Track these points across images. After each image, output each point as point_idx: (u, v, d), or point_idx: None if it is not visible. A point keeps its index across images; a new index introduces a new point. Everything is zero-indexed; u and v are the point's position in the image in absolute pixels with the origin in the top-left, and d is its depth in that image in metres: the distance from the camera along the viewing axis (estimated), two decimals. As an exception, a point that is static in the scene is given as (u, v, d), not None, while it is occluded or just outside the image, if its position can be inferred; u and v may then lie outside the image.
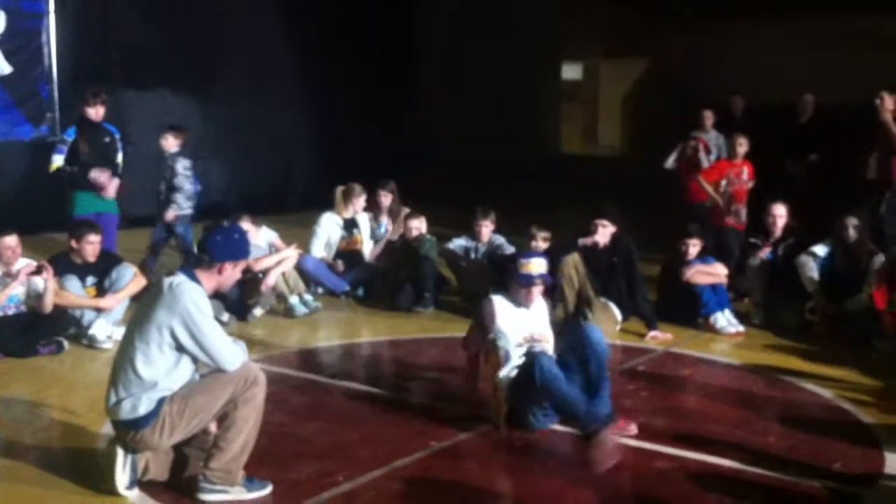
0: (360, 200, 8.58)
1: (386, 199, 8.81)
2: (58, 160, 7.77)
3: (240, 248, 4.31)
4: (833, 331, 7.03)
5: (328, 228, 8.48)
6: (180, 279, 4.08)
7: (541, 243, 7.55)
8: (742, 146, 8.79)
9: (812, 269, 7.21)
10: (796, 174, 9.56)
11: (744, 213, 8.74)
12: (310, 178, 14.02)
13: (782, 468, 4.52)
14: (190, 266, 4.24)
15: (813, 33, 11.58)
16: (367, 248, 8.62)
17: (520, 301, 5.25)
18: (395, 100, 14.78)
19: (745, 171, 8.86)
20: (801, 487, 4.35)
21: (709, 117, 9.67)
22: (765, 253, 7.51)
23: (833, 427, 5.18)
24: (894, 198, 8.26)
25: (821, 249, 7.29)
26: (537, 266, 5.25)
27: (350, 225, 8.59)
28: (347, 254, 8.50)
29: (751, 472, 4.50)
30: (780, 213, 7.60)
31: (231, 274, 4.26)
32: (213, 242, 4.22)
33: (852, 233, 7.28)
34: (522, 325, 5.19)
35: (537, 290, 5.25)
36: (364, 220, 8.68)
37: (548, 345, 5.18)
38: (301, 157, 14.45)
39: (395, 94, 14.79)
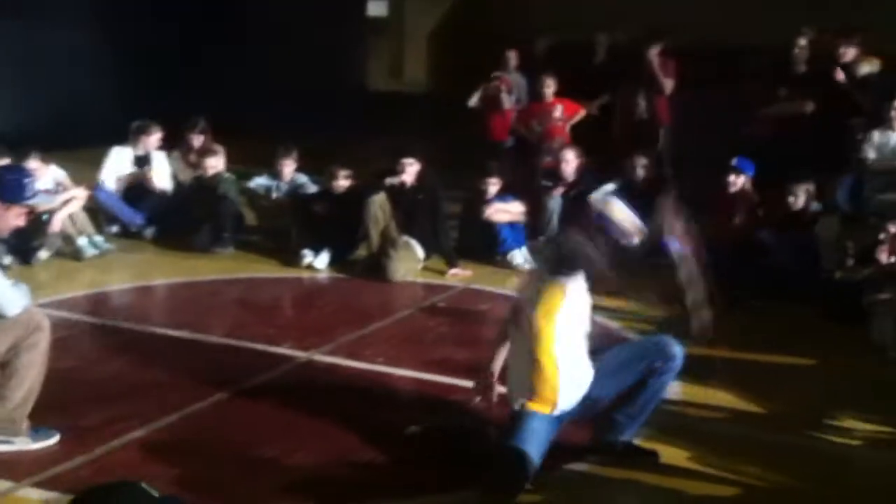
0: (153, 139, 8.23)
1: (198, 140, 8.48)
2: None
3: (9, 189, 3.96)
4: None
5: (117, 161, 8.13)
6: None
7: (342, 182, 7.48)
8: (549, 87, 8.91)
9: (621, 206, 7.52)
10: (592, 115, 9.86)
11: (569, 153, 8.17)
12: (105, 111, 13.12)
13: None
14: None
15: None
16: (161, 186, 8.25)
17: None
18: (196, 31, 14.11)
19: (559, 109, 8.95)
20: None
21: (512, 58, 9.77)
22: (557, 194, 7.77)
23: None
24: (668, 135, 8.79)
25: (611, 188, 7.60)
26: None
27: (142, 161, 8.22)
28: (136, 189, 8.14)
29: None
30: (569, 157, 7.88)
31: (4, 216, 3.95)
32: None
33: (640, 172, 7.63)
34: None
35: None
36: (159, 158, 8.32)
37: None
38: (97, 87, 13.48)
39: (196, 25, 14.11)
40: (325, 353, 5.25)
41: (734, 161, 7.18)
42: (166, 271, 7.08)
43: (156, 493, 2.42)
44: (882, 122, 7.21)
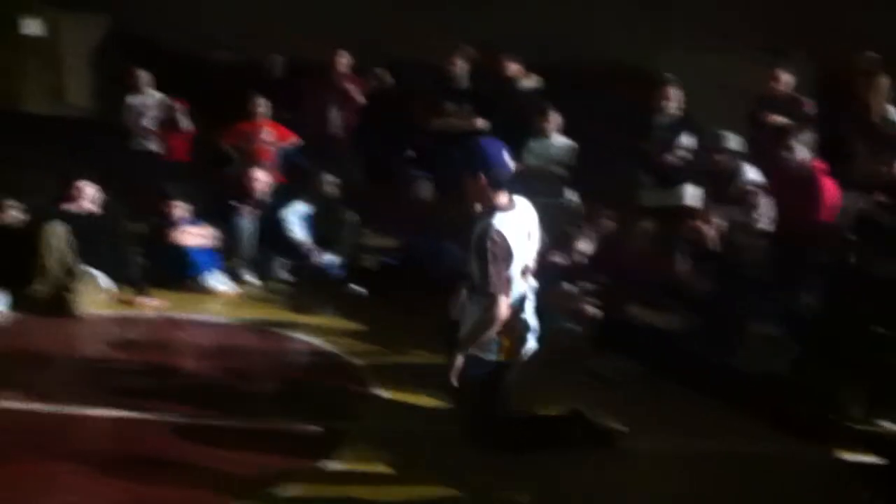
0: None
1: None
2: None
3: None
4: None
5: None
6: None
7: (8, 213, 6.91)
8: (259, 107, 8.70)
9: (295, 224, 7.59)
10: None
11: (258, 172, 8.10)
12: None
13: (278, 415, 4.74)
14: None
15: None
16: None
17: None
18: None
19: (268, 132, 8.74)
20: (299, 430, 4.61)
21: (142, 76, 9.42)
22: (248, 213, 7.71)
23: (323, 370, 5.57)
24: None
25: (301, 205, 7.68)
26: None
27: None
28: None
29: (246, 424, 4.64)
30: (257, 176, 7.86)
31: None
32: None
33: (328, 189, 7.78)
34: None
35: None
36: None
37: None
38: None
39: None
40: (4, 399, 4.82)
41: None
42: None
43: None
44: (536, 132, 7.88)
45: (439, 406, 4.88)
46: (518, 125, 7.90)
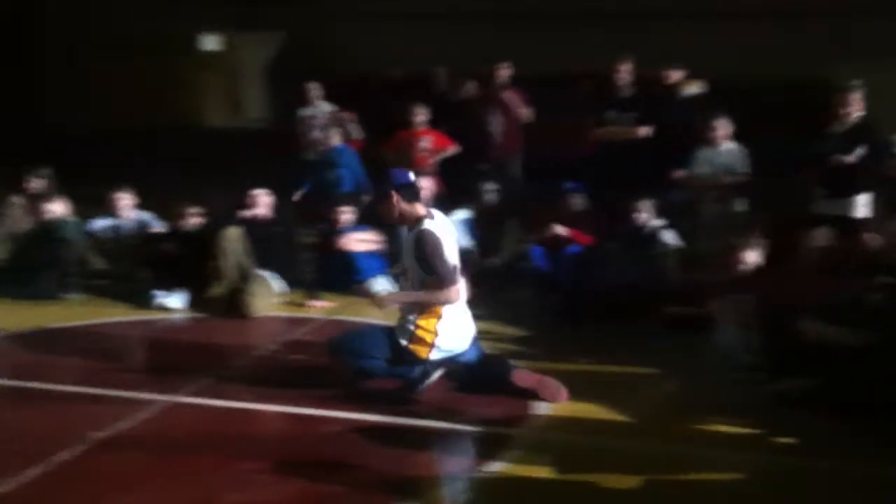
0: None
1: (38, 185, 8.13)
2: None
3: None
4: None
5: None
6: None
7: (190, 219, 7.35)
8: (418, 115, 8.89)
9: (461, 233, 7.69)
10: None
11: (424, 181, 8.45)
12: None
13: (443, 418, 4.79)
14: None
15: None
16: None
17: None
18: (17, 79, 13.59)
19: (427, 140, 8.93)
20: (463, 433, 4.67)
21: (314, 89, 9.75)
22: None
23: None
24: (520, 161, 9.09)
25: (463, 213, 7.79)
26: None
27: None
28: None
29: (414, 425, 4.74)
30: (424, 185, 7.95)
31: None
32: None
33: (490, 197, 7.84)
34: None
35: None
36: None
37: None
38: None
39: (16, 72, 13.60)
40: (187, 395, 5.12)
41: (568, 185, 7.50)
42: (12, 320, 6.72)
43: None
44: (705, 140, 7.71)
45: (602, 417, 4.86)
46: (682, 133, 7.78)
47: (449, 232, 5.12)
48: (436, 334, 5.02)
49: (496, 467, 4.25)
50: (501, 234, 7.73)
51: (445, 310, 5.02)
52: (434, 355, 5.06)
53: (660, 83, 8.32)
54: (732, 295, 5.81)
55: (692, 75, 8.45)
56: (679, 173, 7.88)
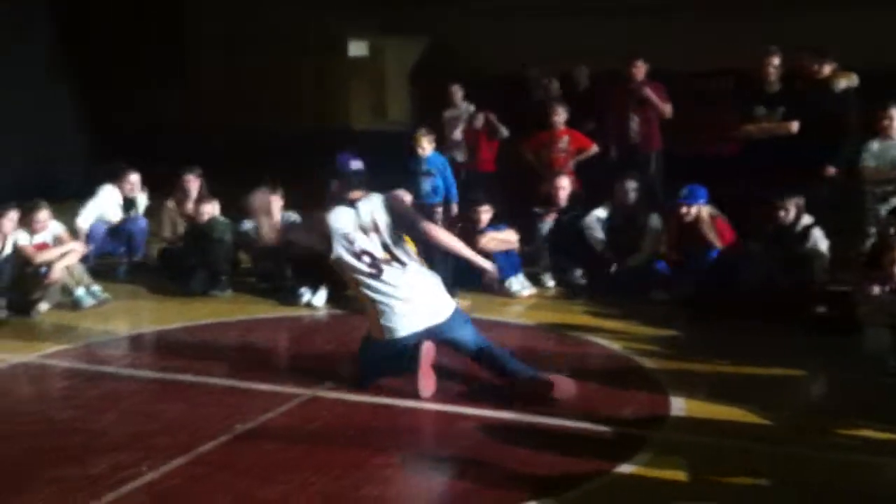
0: (134, 180, 8.66)
1: (193, 183, 8.52)
2: None
3: None
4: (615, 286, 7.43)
5: (105, 200, 8.53)
6: None
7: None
8: (558, 115, 8.83)
9: (598, 231, 7.62)
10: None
11: (563, 180, 8.25)
12: (79, 164, 13.20)
13: (576, 417, 4.75)
14: None
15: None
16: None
17: None
18: (166, 79, 14.25)
19: (565, 140, 8.89)
20: (596, 433, 4.60)
21: (457, 91, 9.82)
22: (550, 219, 7.85)
23: (620, 376, 5.50)
24: (659, 160, 8.90)
25: (602, 212, 7.70)
26: None
27: (129, 204, 8.63)
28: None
29: (546, 424, 4.72)
30: (562, 185, 8.00)
31: None
32: None
33: (631, 195, 7.73)
34: None
35: None
36: (143, 199, 8.78)
37: None
38: (67, 142, 13.55)
39: (167, 73, 14.26)
40: (329, 389, 5.26)
41: (684, 192, 7.27)
42: (165, 317, 7.09)
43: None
44: (877, 132, 7.38)
45: (741, 419, 4.72)
46: (832, 127, 7.47)
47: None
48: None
49: (629, 469, 4.18)
50: (640, 234, 7.59)
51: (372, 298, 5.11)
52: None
53: (809, 76, 7.99)
54: (883, 296, 5.54)
55: (845, 67, 8.07)
56: (830, 169, 7.57)
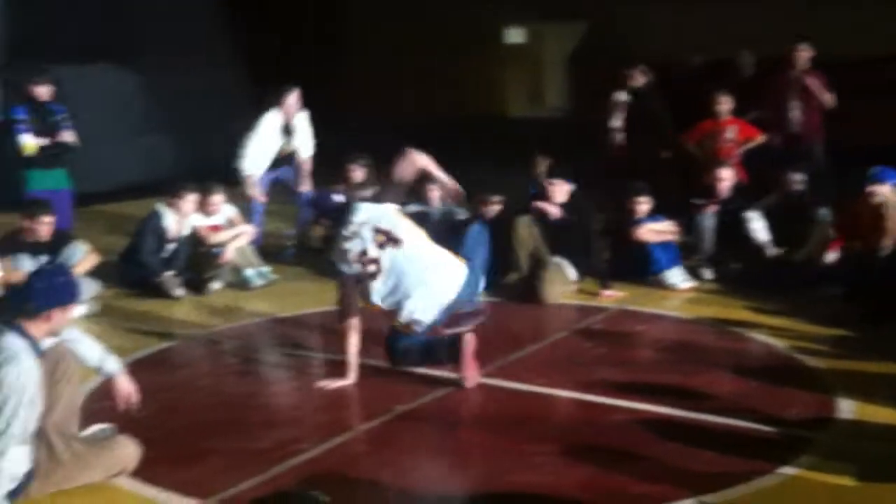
0: (293, 100, 8.48)
1: (357, 172, 8.71)
2: (29, 139, 7.88)
3: (66, 291, 3.83)
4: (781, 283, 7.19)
5: (268, 129, 8.38)
6: (7, 343, 3.65)
7: (493, 207, 7.61)
8: (723, 104, 8.64)
9: (760, 224, 7.39)
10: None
11: (725, 172, 7.83)
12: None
13: (736, 415, 4.65)
14: (16, 316, 3.75)
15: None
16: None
17: None
18: (330, 68, 14.62)
19: (732, 130, 8.68)
20: (757, 432, 4.48)
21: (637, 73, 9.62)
22: (711, 210, 7.66)
23: (784, 375, 5.33)
24: (823, 150, 8.57)
25: (762, 205, 7.47)
26: None
27: (288, 129, 8.53)
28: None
29: (705, 420, 4.63)
30: (725, 175, 7.75)
31: (62, 318, 3.80)
32: (36, 289, 3.75)
33: (797, 187, 7.46)
34: None
35: None
36: (302, 119, 8.64)
37: None
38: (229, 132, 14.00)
39: (330, 61, 14.63)
40: (482, 376, 5.30)
41: (874, 171, 6.85)
42: (329, 299, 7.27)
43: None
44: None
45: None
46: None
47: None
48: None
49: (792, 471, 4.05)
50: (807, 227, 7.31)
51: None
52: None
53: None
54: None
55: None
56: None
